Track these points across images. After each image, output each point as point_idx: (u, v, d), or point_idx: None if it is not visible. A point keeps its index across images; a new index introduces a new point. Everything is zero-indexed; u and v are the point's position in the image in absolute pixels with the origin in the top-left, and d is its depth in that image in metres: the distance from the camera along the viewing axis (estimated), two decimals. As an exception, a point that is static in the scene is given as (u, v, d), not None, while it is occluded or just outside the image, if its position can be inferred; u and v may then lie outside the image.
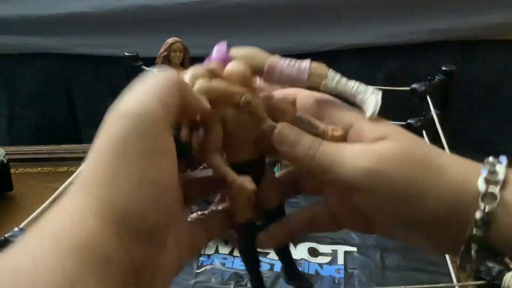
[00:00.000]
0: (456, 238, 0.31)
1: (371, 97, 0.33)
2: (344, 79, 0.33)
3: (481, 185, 0.30)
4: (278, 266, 0.60)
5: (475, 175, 0.30)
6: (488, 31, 1.09)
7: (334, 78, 0.33)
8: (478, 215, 0.29)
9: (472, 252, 0.30)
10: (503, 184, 0.30)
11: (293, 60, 0.32)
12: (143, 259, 0.24)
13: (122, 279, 0.22)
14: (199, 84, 0.28)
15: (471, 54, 1.12)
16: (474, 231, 0.29)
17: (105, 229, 0.23)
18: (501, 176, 0.30)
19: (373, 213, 0.32)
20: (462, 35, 1.09)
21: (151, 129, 0.24)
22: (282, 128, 0.31)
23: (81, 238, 0.22)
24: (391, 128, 0.31)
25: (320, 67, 0.32)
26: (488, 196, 0.29)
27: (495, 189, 0.29)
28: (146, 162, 0.24)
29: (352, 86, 0.32)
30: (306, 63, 0.32)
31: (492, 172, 0.30)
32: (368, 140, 0.30)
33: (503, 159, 0.31)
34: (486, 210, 0.29)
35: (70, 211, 0.23)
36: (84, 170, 0.25)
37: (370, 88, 0.31)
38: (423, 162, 0.31)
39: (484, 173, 0.30)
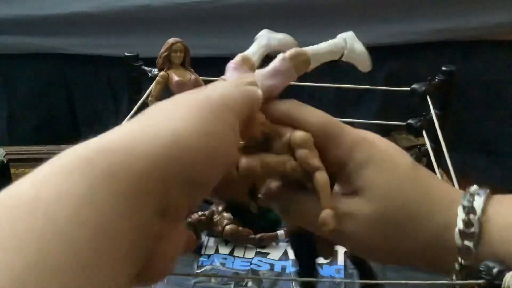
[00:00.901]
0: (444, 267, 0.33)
1: (356, 46, 0.35)
2: (318, 48, 0.35)
3: (457, 241, 0.30)
4: (278, 267, 0.60)
5: (452, 227, 0.31)
6: (488, 31, 1.09)
7: (314, 57, 0.34)
8: (457, 266, 0.31)
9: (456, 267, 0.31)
10: (479, 235, 0.30)
11: (268, 68, 0.34)
12: (176, 207, 0.24)
13: (151, 215, 0.22)
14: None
15: (471, 54, 1.12)
16: (456, 275, 0.31)
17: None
18: (475, 228, 0.30)
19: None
20: (462, 35, 1.09)
21: (229, 113, 0.28)
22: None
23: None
24: (365, 178, 0.31)
25: (296, 56, 0.34)
26: (464, 251, 0.31)
27: (470, 244, 0.30)
28: (223, 126, 0.27)
29: (328, 47, 0.35)
30: (283, 63, 0.33)
31: (467, 224, 0.30)
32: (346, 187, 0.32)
33: (483, 193, 0.31)
34: (463, 264, 0.31)
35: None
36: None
37: (342, 38, 0.34)
38: (396, 224, 0.31)
39: (459, 225, 0.30)
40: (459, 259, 0.31)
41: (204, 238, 0.65)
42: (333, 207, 0.30)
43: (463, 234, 0.30)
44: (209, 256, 0.62)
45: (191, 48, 0.67)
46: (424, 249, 0.32)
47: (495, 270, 0.33)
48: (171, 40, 0.66)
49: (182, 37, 0.66)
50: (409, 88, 0.70)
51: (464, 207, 0.31)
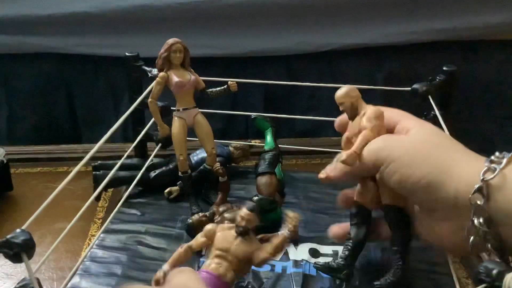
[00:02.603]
0: (461, 211, 0.38)
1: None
2: None
3: (486, 163, 0.36)
4: (279, 267, 0.60)
5: (483, 160, 0.38)
6: (488, 31, 1.09)
7: None
8: (477, 185, 0.35)
9: (476, 222, 0.33)
10: (507, 164, 0.36)
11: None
12: None
13: None
14: None
15: (471, 54, 1.12)
16: (475, 200, 0.35)
17: None
18: (505, 159, 0.36)
19: (388, 182, 0.44)
20: (462, 35, 1.09)
21: None
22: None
23: None
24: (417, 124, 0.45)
25: None
26: (489, 171, 0.36)
27: (497, 166, 0.35)
28: None
29: None
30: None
31: (499, 157, 0.37)
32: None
33: (507, 154, 0.37)
34: (484, 179, 0.35)
35: None
36: None
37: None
38: (437, 145, 0.41)
39: (492, 157, 0.37)
40: (481, 177, 0.35)
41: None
42: (357, 152, 0.45)
43: (492, 161, 0.37)
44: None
45: (191, 48, 0.67)
46: (448, 179, 0.38)
47: (494, 272, 0.33)
48: (170, 41, 0.65)
49: (182, 37, 0.66)
50: (409, 88, 0.70)
51: (490, 161, 0.37)
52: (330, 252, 0.62)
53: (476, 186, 0.35)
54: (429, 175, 0.39)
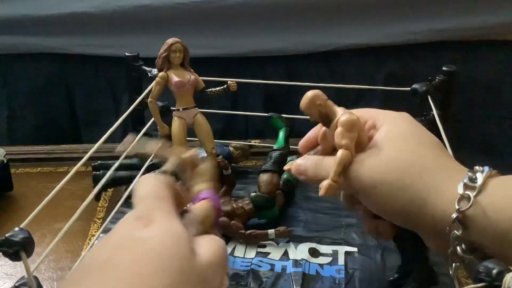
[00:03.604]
0: (442, 234, 0.37)
1: None
2: None
3: (459, 189, 0.35)
4: (278, 267, 0.60)
5: (460, 178, 0.36)
6: (488, 31, 1.09)
7: None
8: (454, 215, 0.35)
9: (458, 250, 0.33)
10: (480, 190, 0.35)
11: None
12: None
13: None
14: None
15: (471, 54, 1.12)
16: (453, 230, 0.35)
17: None
18: (479, 182, 0.35)
19: (371, 208, 0.41)
20: (462, 35, 1.09)
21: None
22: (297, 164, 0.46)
23: None
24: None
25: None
26: (463, 199, 0.35)
27: (471, 194, 0.34)
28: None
29: None
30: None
31: (472, 180, 0.36)
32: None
33: (486, 168, 0.36)
34: (460, 210, 0.34)
35: None
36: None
37: None
38: (409, 166, 0.39)
39: (465, 179, 0.35)
40: (457, 207, 0.35)
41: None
42: (335, 181, 0.40)
43: (466, 186, 0.35)
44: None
45: (191, 48, 0.67)
46: (425, 200, 0.37)
47: (494, 271, 0.33)
48: (170, 41, 0.65)
49: (182, 37, 0.66)
50: (409, 88, 0.70)
51: (472, 171, 0.36)
52: (330, 251, 0.62)
53: (453, 216, 0.35)
54: (409, 203, 0.37)
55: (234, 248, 0.63)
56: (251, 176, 0.75)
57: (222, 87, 0.70)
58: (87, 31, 1.10)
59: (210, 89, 0.70)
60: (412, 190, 0.37)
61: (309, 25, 1.09)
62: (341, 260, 0.61)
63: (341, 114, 0.43)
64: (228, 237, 0.65)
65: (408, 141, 0.40)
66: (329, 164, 0.41)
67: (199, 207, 0.39)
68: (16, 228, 0.41)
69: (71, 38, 1.12)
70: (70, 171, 0.49)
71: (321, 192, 0.40)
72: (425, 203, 0.37)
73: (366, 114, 0.45)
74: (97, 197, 0.74)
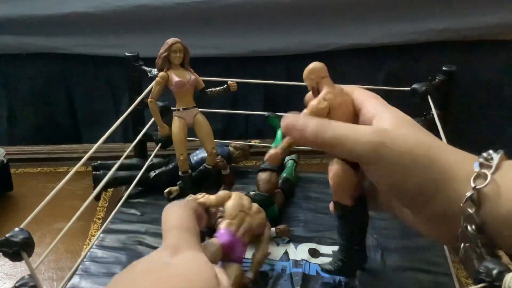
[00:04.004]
0: (450, 218, 0.36)
1: None
2: None
3: (476, 167, 0.35)
4: (278, 267, 0.60)
5: (472, 160, 0.37)
6: (488, 31, 1.09)
7: None
8: (468, 193, 0.34)
9: (469, 229, 0.32)
10: (496, 169, 0.35)
11: None
12: None
13: None
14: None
15: (471, 54, 1.12)
16: (466, 209, 0.34)
17: None
18: (495, 161, 0.35)
19: (377, 182, 0.40)
20: (462, 35, 1.09)
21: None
22: (287, 118, 0.45)
23: None
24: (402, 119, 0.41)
25: None
26: (480, 177, 0.35)
27: (488, 172, 0.34)
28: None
29: None
30: None
31: (488, 159, 0.36)
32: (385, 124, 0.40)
33: (501, 151, 0.36)
34: (476, 187, 0.34)
35: None
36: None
37: None
38: (426, 143, 0.38)
39: (481, 159, 0.36)
40: (473, 184, 0.34)
41: (205, 238, 0.65)
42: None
43: (482, 165, 0.35)
44: (209, 256, 0.62)
45: (191, 48, 0.67)
46: (439, 176, 0.37)
47: (495, 272, 0.33)
48: (170, 41, 0.65)
49: (182, 37, 0.66)
50: (409, 88, 0.70)
51: (487, 153, 0.37)
52: (330, 252, 0.62)
53: (468, 194, 0.35)
54: (424, 185, 0.37)
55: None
56: (251, 176, 0.75)
57: (222, 87, 0.70)
58: (87, 31, 1.11)
59: (210, 89, 0.70)
60: (432, 169, 0.37)
61: (309, 25, 1.09)
62: (341, 260, 0.61)
63: (319, 96, 0.46)
64: None
65: (420, 128, 0.41)
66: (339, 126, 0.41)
67: (230, 270, 0.47)
68: (16, 229, 0.41)
69: (71, 38, 1.12)
70: (70, 171, 0.49)
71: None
72: (443, 184, 0.36)
73: (359, 98, 0.45)
74: (97, 197, 0.74)
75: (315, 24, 1.09)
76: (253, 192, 0.67)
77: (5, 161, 0.76)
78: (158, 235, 0.66)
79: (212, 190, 0.72)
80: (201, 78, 0.69)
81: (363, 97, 0.44)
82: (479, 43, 1.11)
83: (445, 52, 1.11)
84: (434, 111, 0.66)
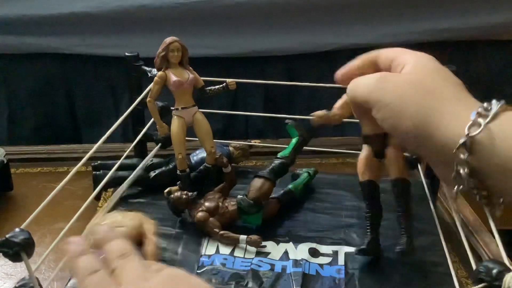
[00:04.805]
0: (445, 163, 0.38)
1: None
2: None
3: (472, 116, 0.36)
4: (278, 267, 0.60)
5: (472, 109, 0.37)
6: (488, 31, 1.09)
7: None
8: (461, 139, 0.36)
9: (462, 173, 0.36)
10: (492, 118, 0.36)
11: None
12: None
13: None
14: None
15: (471, 54, 1.12)
16: (459, 154, 0.36)
17: None
18: (493, 111, 0.36)
19: (382, 125, 0.42)
20: (462, 35, 1.09)
21: None
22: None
23: None
24: (417, 59, 0.43)
25: None
26: (474, 125, 0.36)
27: (483, 121, 0.35)
28: None
29: None
30: None
31: (486, 109, 0.36)
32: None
33: (502, 101, 0.37)
34: (469, 134, 0.35)
35: None
36: None
37: None
38: (429, 91, 0.40)
39: (479, 109, 0.36)
40: (466, 131, 0.36)
41: (205, 239, 0.65)
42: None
43: (479, 114, 0.36)
44: (209, 256, 0.62)
45: (191, 48, 0.67)
46: (437, 122, 0.38)
47: (494, 271, 0.33)
48: (168, 40, 0.65)
49: (182, 37, 0.66)
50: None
51: (477, 113, 0.36)
52: (330, 252, 0.62)
53: (461, 141, 0.36)
54: (417, 128, 0.39)
55: (234, 248, 0.63)
56: (251, 176, 0.75)
57: (221, 86, 0.70)
58: (87, 31, 1.10)
59: (209, 88, 0.70)
60: (428, 112, 0.39)
61: (309, 25, 1.09)
62: (341, 260, 0.61)
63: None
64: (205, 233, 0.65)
65: (433, 73, 0.42)
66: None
67: None
68: (17, 229, 0.41)
69: (71, 38, 1.12)
70: (70, 171, 0.49)
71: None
72: (439, 126, 0.38)
73: (390, 54, 0.46)
74: (97, 197, 0.74)
75: (315, 24, 1.09)
76: (240, 196, 0.66)
77: (5, 161, 0.76)
78: (158, 234, 0.67)
79: (212, 189, 0.73)
80: (201, 78, 0.69)
81: (395, 51, 0.46)
82: (479, 43, 1.11)
83: (445, 52, 1.11)
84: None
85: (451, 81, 0.42)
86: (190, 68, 0.68)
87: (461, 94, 0.40)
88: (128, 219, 0.60)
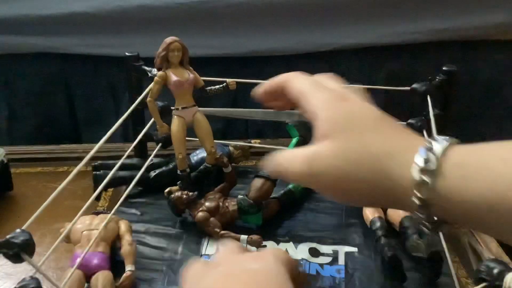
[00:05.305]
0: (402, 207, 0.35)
1: None
2: None
3: (415, 175, 0.33)
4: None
5: (411, 163, 0.33)
6: (488, 31, 1.09)
7: None
8: (415, 201, 0.33)
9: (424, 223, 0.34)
10: (436, 175, 0.32)
11: None
12: None
13: None
14: None
15: (471, 54, 1.12)
16: (416, 213, 0.33)
17: None
18: (433, 166, 0.32)
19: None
20: (462, 35, 1.09)
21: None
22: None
23: None
24: (339, 124, 0.36)
25: None
26: (421, 185, 0.32)
27: (428, 180, 0.32)
28: None
29: None
30: None
31: (427, 161, 0.33)
32: (318, 136, 0.37)
33: (438, 147, 0.33)
34: (419, 197, 0.32)
35: None
36: None
37: None
38: (356, 159, 0.35)
39: (420, 163, 0.33)
40: (416, 193, 0.33)
41: (205, 238, 0.65)
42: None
43: (422, 171, 0.32)
44: (209, 256, 0.62)
45: (191, 48, 0.67)
46: (385, 187, 0.35)
47: (495, 271, 0.33)
48: (168, 40, 0.65)
49: (182, 37, 0.66)
50: (409, 88, 0.70)
51: (426, 148, 0.33)
52: (330, 251, 0.62)
53: (414, 200, 0.33)
54: (375, 189, 0.35)
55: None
56: (251, 176, 0.75)
57: (221, 85, 0.70)
58: (87, 31, 1.10)
59: (209, 88, 0.70)
60: (365, 171, 0.35)
61: (309, 25, 1.09)
62: (341, 260, 0.61)
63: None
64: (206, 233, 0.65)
65: (351, 130, 0.36)
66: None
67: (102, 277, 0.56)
68: (18, 230, 0.41)
69: (71, 38, 1.12)
70: (70, 171, 0.49)
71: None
72: (388, 194, 0.35)
73: (297, 94, 0.40)
74: (97, 197, 0.74)
75: (315, 24, 1.09)
76: (241, 196, 0.66)
77: (5, 161, 0.76)
78: (158, 234, 0.67)
79: (213, 189, 0.73)
80: (201, 78, 0.69)
81: (295, 90, 0.41)
82: (479, 43, 1.11)
83: (445, 52, 1.11)
84: (431, 111, 0.66)
85: (373, 123, 0.37)
86: (191, 68, 0.68)
87: (398, 130, 0.37)
88: (98, 222, 0.61)
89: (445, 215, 0.33)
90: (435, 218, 0.34)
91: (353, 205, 0.40)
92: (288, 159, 0.38)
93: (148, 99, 0.67)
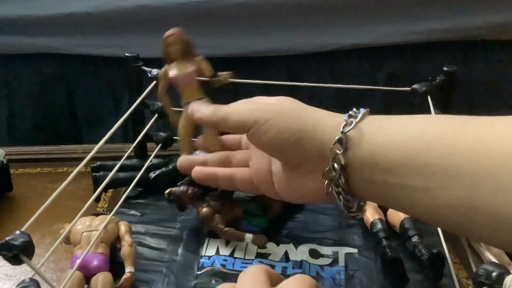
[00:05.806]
0: (324, 157, 0.43)
1: None
2: None
3: (345, 117, 0.43)
4: (279, 268, 0.60)
5: (340, 116, 0.45)
6: (488, 31, 1.09)
7: None
8: (337, 137, 0.42)
9: (336, 167, 0.42)
10: (361, 119, 0.42)
11: None
12: None
13: None
14: None
15: (471, 54, 1.12)
16: (335, 150, 0.42)
17: None
18: (360, 114, 0.43)
19: (259, 142, 0.48)
20: (462, 35, 1.09)
21: None
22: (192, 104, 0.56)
23: None
24: None
25: None
26: (347, 124, 0.42)
27: (354, 120, 0.42)
28: None
29: None
30: None
31: (355, 112, 0.44)
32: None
33: (366, 109, 0.43)
34: (343, 132, 0.42)
35: None
36: None
37: None
38: (303, 107, 0.47)
39: (350, 112, 0.44)
40: (341, 130, 0.42)
41: (205, 239, 0.65)
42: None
43: (350, 116, 0.43)
44: (209, 257, 0.62)
45: (191, 48, 0.67)
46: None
47: (494, 274, 0.33)
48: (165, 35, 0.64)
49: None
50: (409, 88, 0.70)
51: (349, 114, 0.43)
52: (330, 253, 0.62)
53: (337, 137, 0.42)
54: (299, 132, 0.45)
55: (234, 249, 0.63)
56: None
57: (216, 77, 0.69)
58: (87, 31, 1.11)
59: (212, 78, 0.68)
60: (306, 119, 0.45)
61: (309, 25, 1.09)
62: (341, 261, 0.61)
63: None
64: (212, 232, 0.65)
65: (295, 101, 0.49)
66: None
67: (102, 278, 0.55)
68: (17, 232, 0.40)
69: (71, 38, 1.12)
70: (70, 172, 0.49)
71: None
72: (316, 129, 0.44)
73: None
74: (97, 198, 0.74)
75: (315, 24, 1.09)
76: (248, 197, 0.66)
77: (5, 162, 0.76)
78: (158, 235, 0.67)
79: (214, 189, 0.72)
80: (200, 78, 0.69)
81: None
82: (479, 43, 1.11)
83: (445, 52, 1.11)
84: (432, 111, 0.66)
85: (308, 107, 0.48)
86: (197, 58, 0.66)
87: (329, 112, 0.47)
88: (98, 223, 0.61)
89: (355, 156, 0.41)
90: (352, 190, 0.42)
91: (276, 141, 0.47)
92: (236, 106, 0.50)
93: (158, 94, 0.67)
